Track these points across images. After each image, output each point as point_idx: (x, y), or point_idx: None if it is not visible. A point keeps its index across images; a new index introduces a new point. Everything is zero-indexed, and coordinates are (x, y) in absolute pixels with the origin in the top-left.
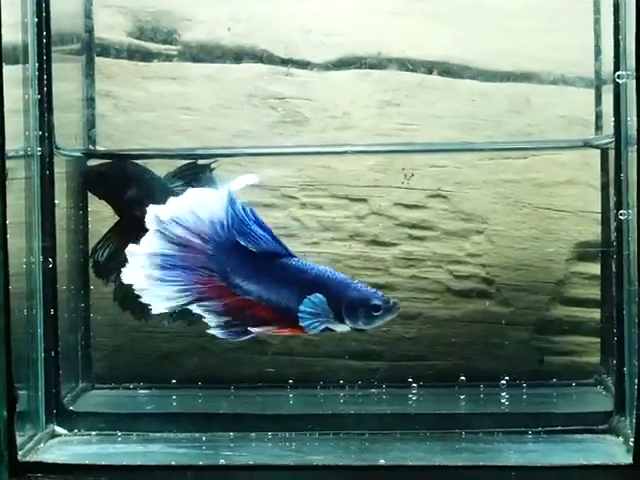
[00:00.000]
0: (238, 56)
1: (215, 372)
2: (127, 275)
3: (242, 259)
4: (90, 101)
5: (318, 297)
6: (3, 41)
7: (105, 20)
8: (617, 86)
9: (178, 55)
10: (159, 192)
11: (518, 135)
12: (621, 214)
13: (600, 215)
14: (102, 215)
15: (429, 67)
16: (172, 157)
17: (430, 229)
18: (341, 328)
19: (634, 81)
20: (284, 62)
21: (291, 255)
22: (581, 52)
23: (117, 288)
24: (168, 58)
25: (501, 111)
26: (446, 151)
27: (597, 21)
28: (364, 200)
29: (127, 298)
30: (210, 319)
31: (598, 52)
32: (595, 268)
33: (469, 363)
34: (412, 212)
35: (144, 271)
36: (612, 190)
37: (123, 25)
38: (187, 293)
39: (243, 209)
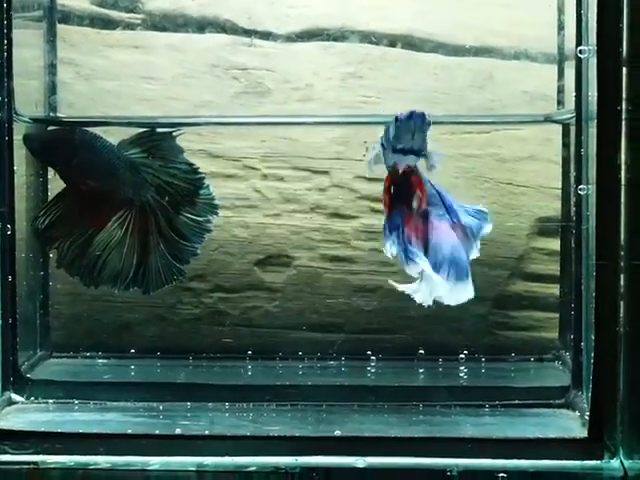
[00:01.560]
0: (201, 26)
1: (174, 342)
2: None
3: None
4: (51, 68)
5: None
6: None
7: None
8: (579, 61)
9: (141, 24)
10: (110, 159)
11: (480, 110)
12: (580, 189)
13: (561, 191)
14: (61, 182)
15: (392, 40)
16: (132, 125)
17: None
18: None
19: (595, 56)
20: (247, 33)
21: None
22: (545, 27)
23: (60, 256)
24: (131, 26)
25: (464, 85)
26: None
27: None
28: (326, 172)
29: (73, 265)
30: None
31: (561, 27)
32: (555, 244)
33: (428, 337)
34: (374, 185)
35: None
36: (573, 164)
37: None
38: None
39: None
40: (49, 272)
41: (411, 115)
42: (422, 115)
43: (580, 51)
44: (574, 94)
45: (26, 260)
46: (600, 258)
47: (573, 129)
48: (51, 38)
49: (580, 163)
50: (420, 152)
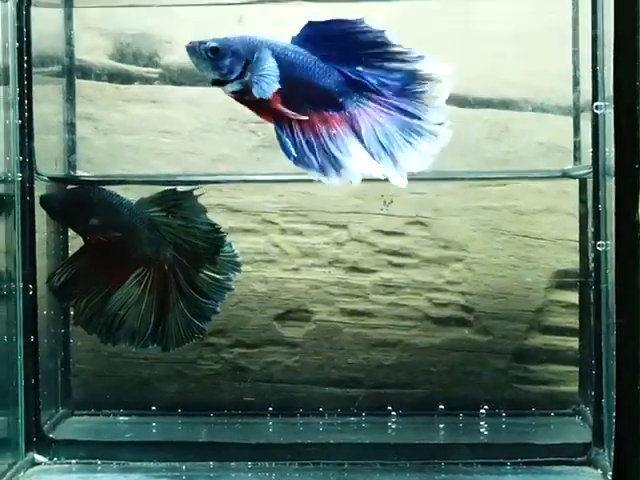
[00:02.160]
0: None
1: (194, 398)
2: None
3: None
4: (70, 124)
5: None
6: None
7: (86, 42)
8: (595, 117)
9: (159, 78)
10: (128, 217)
11: (497, 162)
12: (599, 245)
13: (578, 243)
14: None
15: None
16: (151, 183)
17: (409, 256)
18: None
19: (612, 112)
20: None
21: None
22: (559, 79)
23: (77, 313)
24: (149, 81)
25: (480, 137)
26: (426, 180)
27: (575, 52)
28: (344, 226)
29: (91, 322)
30: None
31: (576, 83)
32: (573, 296)
33: (448, 391)
34: (391, 239)
35: None
36: (590, 219)
37: (104, 47)
38: None
39: None
40: (70, 329)
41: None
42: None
43: (596, 107)
44: (591, 150)
45: (47, 317)
46: (620, 316)
47: (590, 183)
48: (70, 94)
49: (598, 218)
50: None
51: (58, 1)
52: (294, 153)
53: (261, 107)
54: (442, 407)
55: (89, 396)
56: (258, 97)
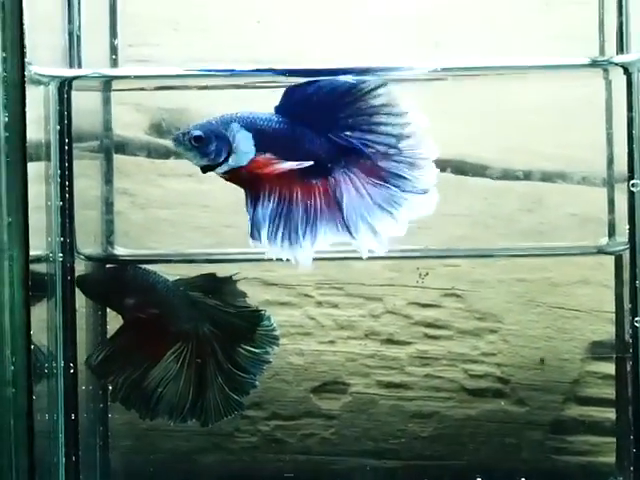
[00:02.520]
0: None
1: (232, 471)
2: None
3: None
4: (107, 198)
5: None
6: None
7: (122, 117)
8: (632, 194)
9: None
10: (165, 295)
11: (530, 233)
12: (636, 321)
13: (614, 315)
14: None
15: (443, 165)
16: (190, 261)
17: (445, 328)
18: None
19: None
20: None
21: None
22: (592, 150)
23: (114, 390)
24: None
25: (513, 209)
26: (460, 257)
27: (609, 129)
28: (379, 299)
29: (129, 398)
30: None
31: (611, 157)
32: (609, 367)
33: (485, 463)
34: (427, 311)
35: None
36: (626, 290)
37: (140, 122)
38: None
39: None
40: (108, 404)
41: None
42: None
43: (632, 184)
44: (627, 226)
45: (86, 393)
46: None
47: (624, 257)
48: (108, 168)
49: (635, 294)
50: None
51: (97, 84)
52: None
53: (255, 181)
54: (479, 479)
55: (127, 469)
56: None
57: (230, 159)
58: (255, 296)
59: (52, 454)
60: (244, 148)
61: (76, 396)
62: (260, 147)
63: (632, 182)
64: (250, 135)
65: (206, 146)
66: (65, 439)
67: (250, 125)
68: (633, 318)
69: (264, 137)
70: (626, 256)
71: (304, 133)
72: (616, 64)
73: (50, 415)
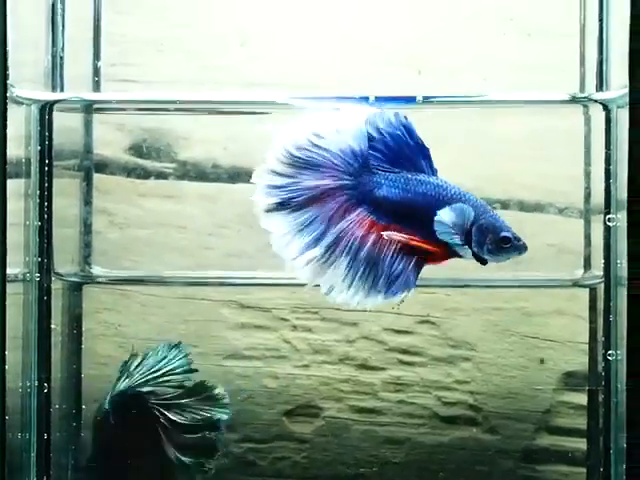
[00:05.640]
0: (233, 176)
1: None
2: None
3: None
4: (87, 218)
5: (460, 206)
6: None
7: (102, 136)
8: (607, 229)
9: (174, 173)
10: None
11: (507, 262)
12: (609, 355)
13: (587, 346)
14: (94, 333)
15: None
16: (166, 284)
17: (419, 355)
18: (465, 253)
19: (624, 224)
20: None
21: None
22: (571, 182)
23: None
24: (164, 176)
25: None
26: (436, 286)
27: (588, 163)
28: (354, 324)
29: None
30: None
31: (588, 190)
32: (581, 398)
33: None
34: (401, 337)
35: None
36: (601, 327)
37: (120, 142)
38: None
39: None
40: (81, 422)
41: None
42: None
43: (609, 219)
44: (602, 258)
45: (59, 411)
46: (631, 431)
47: (599, 290)
48: (86, 187)
49: (609, 328)
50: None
51: (78, 107)
52: None
53: None
54: None
55: None
56: None
57: None
58: (231, 319)
59: (24, 474)
60: None
61: (49, 416)
62: None
63: (608, 217)
64: None
65: None
66: (37, 458)
67: None
68: (606, 351)
69: None
70: (601, 289)
71: None
72: (595, 101)
73: (22, 434)
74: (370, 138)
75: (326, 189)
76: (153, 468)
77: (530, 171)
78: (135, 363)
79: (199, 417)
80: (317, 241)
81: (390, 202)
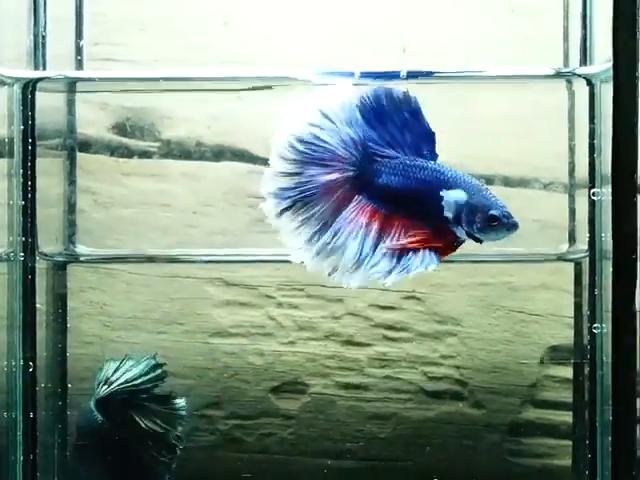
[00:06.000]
0: (217, 154)
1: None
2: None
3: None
4: (70, 196)
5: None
6: None
7: (85, 115)
8: (592, 203)
9: (158, 152)
10: None
11: None
12: (595, 328)
13: (572, 319)
14: (79, 311)
15: None
16: (151, 261)
17: (404, 330)
18: (460, 233)
19: (609, 198)
20: (263, 161)
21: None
22: (555, 158)
23: None
24: (148, 155)
25: None
26: None
27: (572, 138)
28: (340, 300)
29: None
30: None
31: (572, 169)
32: (567, 371)
33: (442, 464)
34: (387, 313)
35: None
36: (586, 301)
37: (104, 121)
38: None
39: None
40: (67, 401)
41: None
42: None
43: (593, 193)
44: (587, 231)
45: (45, 390)
46: (617, 404)
47: (584, 264)
48: (70, 166)
49: (594, 302)
50: None
51: (61, 87)
52: None
53: None
54: None
55: None
56: None
57: None
58: (216, 296)
59: (10, 453)
60: None
61: (34, 395)
62: None
63: (593, 191)
64: None
65: None
66: (23, 437)
67: None
68: (591, 325)
69: None
70: (586, 263)
71: None
72: (579, 75)
73: (9, 413)
74: (376, 116)
75: (333, 183)
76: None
77: (514, 147)
78: (112, 371)
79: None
80: (324, 229)
81: (391, 190)
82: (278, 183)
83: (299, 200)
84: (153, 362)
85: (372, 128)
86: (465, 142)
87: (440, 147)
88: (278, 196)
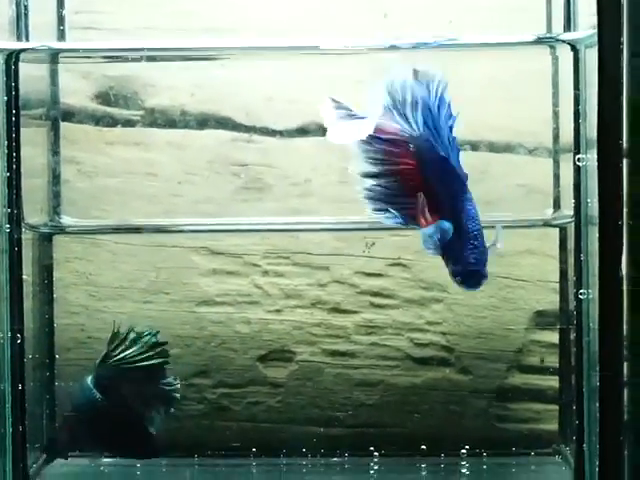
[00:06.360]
0: (201, 122)
1: (177, 439)
2: None
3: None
4: (55, 167)
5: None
6: None
7: (68, 85)
8: (577, 169)
9: (141, 120)
10: None
11: (477, 203)
12: (581, 294)
13: (558, 284)
14: (65, 282)
15: None
16: (138, 232)
17: (391, 297)
18: None
19: (594, 163)
20: (246, 129)
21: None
22: (540, 123)
23: None
24: (131, 123)
25: None
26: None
27: (556, 103)
28: (326, 268)
29: None
30: None
31: (557, 135)
32: (553, 336)
33: (429, 431)
34: (373, 280)
35: None
36: (572, 267)
37: (86, 90)
38: None
39: None
40: (54, 371)
41: None
42: None
43: (578, 159)
44: (572, 196)
45: (32, 361)
46: (604, 369)
47: (569, 229)
48: (54, 136)
49: (580, 267)
50: None
51: (45, 57)
52: None
53: None
54: (424, 447)
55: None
56: None
57: None
58: (202, 265)
59: None
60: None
61: (22, 367)
62: None
63: (578, 157)
64: None
65: None
66: (12, 409)
67: None
68: (578, 291)
69: None
70: (571, 229)
71: None
72: (563, 41)
73: None
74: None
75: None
76: None
77: (498, 112)
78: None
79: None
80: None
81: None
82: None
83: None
84: (154, 340)
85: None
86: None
87: None
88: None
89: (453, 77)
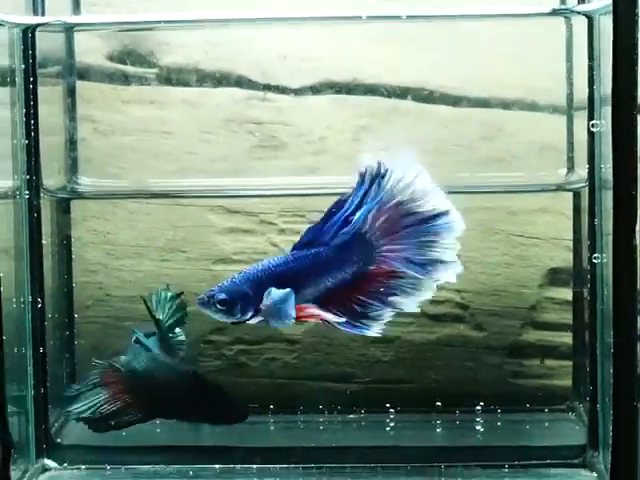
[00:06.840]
0: (216, 80)
1: None
2: None
3: None
4: (70, 124)
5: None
6: None
7: (83, 43)
8: (591, 135)
9: (156, 79)
10: None
11: (490, 161)
12: (595, 258)
13: (572, 242)
14: (83, 241)
15: (404, 92)
16: (158, 197)
17: None
18: None
19: (608, 129)
20: (261, 87)
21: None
22: (552, 79)
23: None
24: (146, 82)
25: (474, 137)
26: None
27: (570, 70)
28: None
29: None
30: None
31: (571, 99)
32: (567, 293)
33: (444, 387)
34: None
35: None
36: (584, 224)
37: (101, 48)
38: None
39: None
40: (74, 332)
41: None
42: None
43: (592, 125)
44: (587, 166)
45: (52, 321)
46: (617, 335)
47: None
48: (70, 95)
49: (594, 232)
50: None
51: (60, 28)
52: None
53: None
54: (439, 404)
55: None
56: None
57: (258, 313)
58: (218, 223)
59: (20, 387)
60: (277, 299)
61: (43, 330)
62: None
63: (592, 123)
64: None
65: (232, 308)
66: (34, 372)
67: (272, 276)
68: (591, 255)
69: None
70: (585, 193)
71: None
72: (578, 13)
73: (19, 349)
74: None
75: None
76: None
77: (511, 69)
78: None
79: None
80: None
81: None
82: None
83: None
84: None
85: None
86: (462, 66)
87: (437, 72)
88: None
89: (465, 36)
